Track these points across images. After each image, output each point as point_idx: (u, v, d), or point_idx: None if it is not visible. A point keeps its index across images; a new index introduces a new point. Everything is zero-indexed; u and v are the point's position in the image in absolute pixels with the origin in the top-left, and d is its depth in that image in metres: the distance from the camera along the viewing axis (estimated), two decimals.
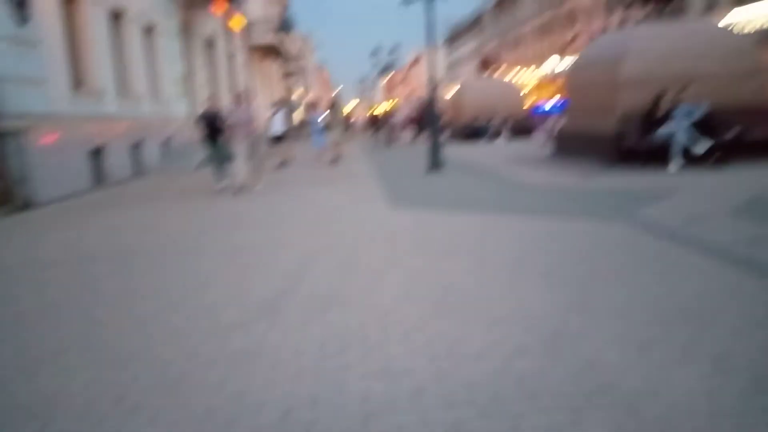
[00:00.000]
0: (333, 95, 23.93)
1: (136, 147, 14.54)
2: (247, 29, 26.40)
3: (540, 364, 2.89)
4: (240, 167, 10.33)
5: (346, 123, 21.94)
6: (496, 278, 4.36)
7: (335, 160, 14.88)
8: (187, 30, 19.88)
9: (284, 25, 39.06)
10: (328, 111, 15.95)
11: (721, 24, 15.60)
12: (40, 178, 10.00)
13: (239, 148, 10.35)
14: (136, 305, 4.21)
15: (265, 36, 31.63)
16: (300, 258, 5.23)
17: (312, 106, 17.10)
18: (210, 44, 22.95)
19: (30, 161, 9.82)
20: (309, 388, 2.80)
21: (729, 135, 9.51)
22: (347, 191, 9.71)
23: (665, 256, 4.66)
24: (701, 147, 9.35)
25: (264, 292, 4.28)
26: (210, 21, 22.46)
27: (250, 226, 7.12)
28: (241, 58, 24.54)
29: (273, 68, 40.52)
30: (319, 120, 15.86)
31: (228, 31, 20.17)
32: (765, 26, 20.57)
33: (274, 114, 15.28)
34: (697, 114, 9.67)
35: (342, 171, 13.20)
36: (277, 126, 15.08)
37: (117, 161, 13.33)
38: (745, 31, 17.83)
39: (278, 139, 15.09)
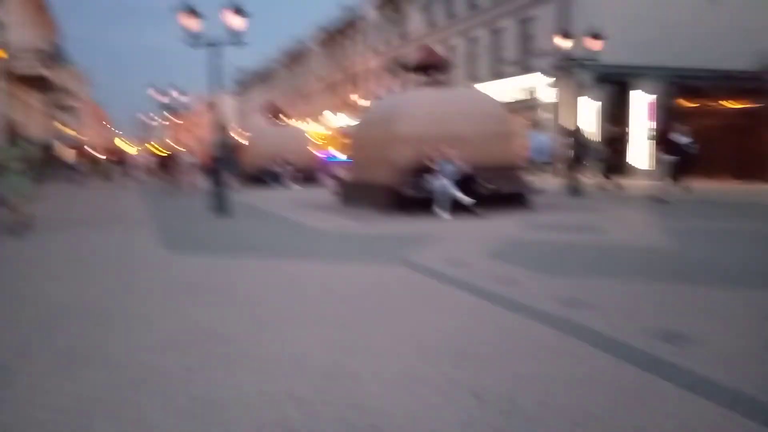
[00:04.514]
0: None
1: None
2: (10, 57, 23.29)
3: (311, 411, 2.78)
4: None
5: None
6: (271, 324, 4.20)
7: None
8: None
9: (54, 57, 35.33)
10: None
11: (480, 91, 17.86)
12: None
13: None
14: None
15: (30, 66, 28.20)
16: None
17: None
18: None
19: None
20: None
21: (486, 190, 10.77)
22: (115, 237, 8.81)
23: (434, 295, 4.97)
24: (465, 199, 10.41)
25: None
26: None
27: None
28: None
29: (40, 101, 36.20)
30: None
31: None
32: (513, 99, 24.16)
33: None
34: (458, 170, 10.78)
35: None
36: None
37: None
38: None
39: None
